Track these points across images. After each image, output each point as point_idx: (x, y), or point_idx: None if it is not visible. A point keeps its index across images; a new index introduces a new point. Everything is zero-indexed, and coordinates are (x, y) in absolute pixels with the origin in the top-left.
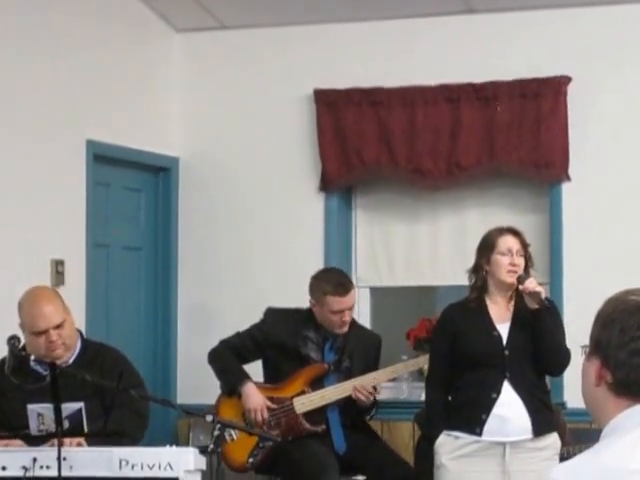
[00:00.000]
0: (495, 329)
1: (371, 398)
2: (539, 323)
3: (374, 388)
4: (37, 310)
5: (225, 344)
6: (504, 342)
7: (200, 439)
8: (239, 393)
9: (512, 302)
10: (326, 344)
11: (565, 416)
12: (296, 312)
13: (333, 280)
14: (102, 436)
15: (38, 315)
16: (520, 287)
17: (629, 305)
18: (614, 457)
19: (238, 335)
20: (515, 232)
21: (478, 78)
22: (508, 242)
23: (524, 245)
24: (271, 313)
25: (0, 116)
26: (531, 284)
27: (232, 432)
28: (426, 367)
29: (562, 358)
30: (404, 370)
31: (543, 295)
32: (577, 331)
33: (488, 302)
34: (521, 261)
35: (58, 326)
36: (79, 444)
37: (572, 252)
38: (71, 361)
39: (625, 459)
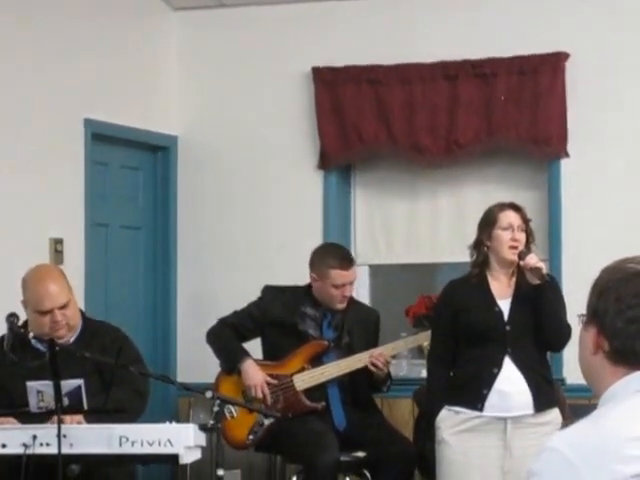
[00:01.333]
0: (496, 305)
1: (385, 370)
2: (540, 299)
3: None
4: (43, 289)
5: (223, 323)
6: (505, 318)
7: (200, 417)
8: (239, 370)
9: (513, 278)
10: (324, 321)
11: (564, 392)
12: (294, 289)
13: (337, 254)
14: (101, 413)
15: (44, 294)
16: (521, 263)
17: (625, 273)
18: (612, 424)
19: (236, 313)
20: (516, 207)
21: (476, 55)
22: (509, 217)
23: (525, 220)
24: (269, 290)
25: None
26: (532, 260)
27: (232, 409)
28: (426, 344)
29: (563, 333)
30: (404, 347)
31: (544, 271)
32: (576, 307)
33: (489, 278)
34: (522, 236)
35: (63, 306)
36: (78, 422)
37: (570, 228)
38: (72, 340)
39: (622, 426)
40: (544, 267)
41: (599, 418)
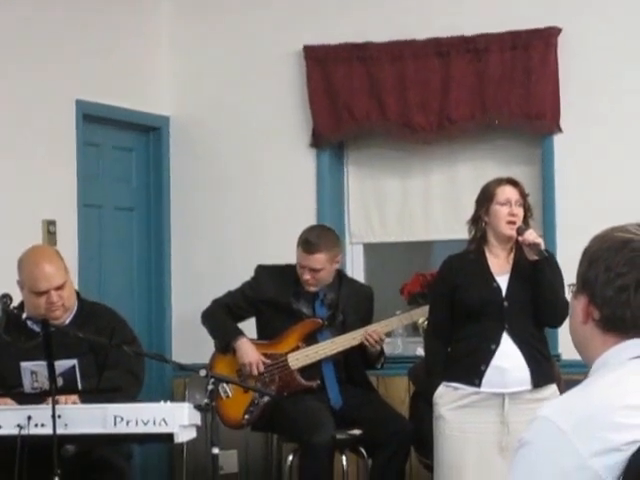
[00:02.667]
0: (494, 280)
1: (379, 347)
2: (538, 274)
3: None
4: (39, 270)
5: (217, 303)
6: (503, 293)
7: (196, 398)
8: (233, 349)
9: (512, 254)
10: (317, 299)
11: (560, 368)
12: (287, 268)
13: (306, 235)
14: (96, 393)
15: (40, 275)
16: (519, 238)
17: (615, 242)
18: (602, 393)
19: (230, 294)
20: (514, 182)
21: (468, 31)
22: (507, 192)
23: (523, 195)
24: (262, 270)
25: None
26: (530, 236)
27: (227, 389)
28: (420, 321)
29: (561, 309)
30: (398, 324)
31: (542, 246)
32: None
33: (487, 254)
34: (520, 211)
35: (59, 287)
36: (74, 402)
37: (565, 203)
38: (68, 321)
39: (613, 394)
40: (542, 243)
41: (590, 387)
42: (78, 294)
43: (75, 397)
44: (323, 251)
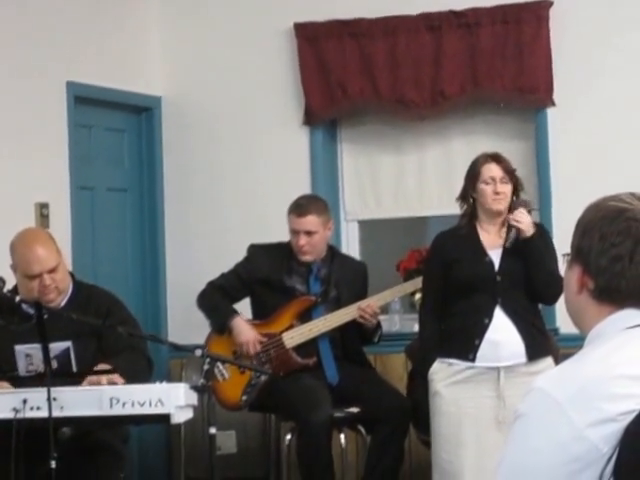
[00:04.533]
0: (487, 255)
1: (374, 321)
2: (530, 251)
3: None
4: (31, 253)
5: (212, 285)
6: (496, 268)
7: (193, 379)
8: (229, 329)
9: (503, 228)
10: (310, 275)
11: (558, 341)
12: (278, 246)
13: (298, 200)
14: (92, 375)
15: (32, 259)
16: (509, 217)
17: (609, 211)
18: (598, 363)
19: (223, 275)
20: (498, 159)
21: (459, 5)
22: (491, 171)
23: (508, 171)
24: (254, 249)
25: None
26: (515, 218)
27: (223, 371)
28: (417, 297)
29: (553, 286)
30: (391, 296)
31: (528, 232)
32: None
33: (479, 229)
34: (506, 188)
35: (52, 270)
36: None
37: (559, 177)
38: (63, 304)
39: (608, 365)
40: (528, 227)
41: (585, 357)
42: (73, 276)
43: (116, 376)
44: (314, 213)
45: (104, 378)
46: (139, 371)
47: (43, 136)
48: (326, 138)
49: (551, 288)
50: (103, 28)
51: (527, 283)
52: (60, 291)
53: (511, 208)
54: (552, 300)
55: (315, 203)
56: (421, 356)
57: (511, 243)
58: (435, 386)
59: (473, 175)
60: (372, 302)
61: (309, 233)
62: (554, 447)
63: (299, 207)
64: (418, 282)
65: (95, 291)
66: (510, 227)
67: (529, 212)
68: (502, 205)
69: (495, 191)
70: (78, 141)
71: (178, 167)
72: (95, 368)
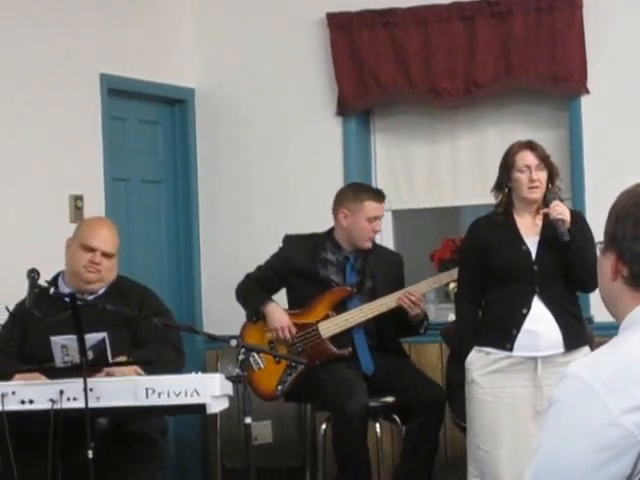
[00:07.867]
0: (524, 243)
1: (419, 310)
2: (567, 247)
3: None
4: (98, 230)
5: (248, 277)
6: (533, 257)
7: (228, 370)
8: (263, 315)
9: (539, 215)
10: (347, 265)
11: (593, 330)
12: (313, 236)
13: (371, 188)
14: (127, 365)
15: (96, 234)
16: (545, 211)
17: None
18: (631, 350)
19: (259, 268)
20: (532, 147)
21: None
22: (526, 159)
23: (543, 158)
24: (288, 240)
25: (13, 54)
26: (554, 211)
27: (258, 361)
28: (452, 287)
29: (592, 274)
30: (427, 288)
31: (567, 225)
32: None
33: (515, 216)
34: (542, 175)
35: (107, 254)
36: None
37: (593, 166)
38: (101, 292)
39: None
40: (566, 219)
41: (619, 343)
42: (119, 277)
43: (134, 368)
44: (385, 198)
45: (117, 371)
46: (166, 362)
47: (77, 128)
48: (359, 128)
49: (589, 276)
50: (136, 20)
51: (565, 271)
52: (102, 278)
53: (545, 197)
54: (591, 288)
55: None
56: (458, 343)
57: (563, 234)
58: (471, 375)
59: (508, 164)
60: (412, 290)
61: (380, 219)
62: (589, 433)
63: (379, 193)
64: (454, 273)
65: (129, 284)
66: (555, 221)
67: (562, 202)
68: (538, 194)
69: (531, 179)
70: (112, 133)
71: (212, 158)
72: (111, 360)
